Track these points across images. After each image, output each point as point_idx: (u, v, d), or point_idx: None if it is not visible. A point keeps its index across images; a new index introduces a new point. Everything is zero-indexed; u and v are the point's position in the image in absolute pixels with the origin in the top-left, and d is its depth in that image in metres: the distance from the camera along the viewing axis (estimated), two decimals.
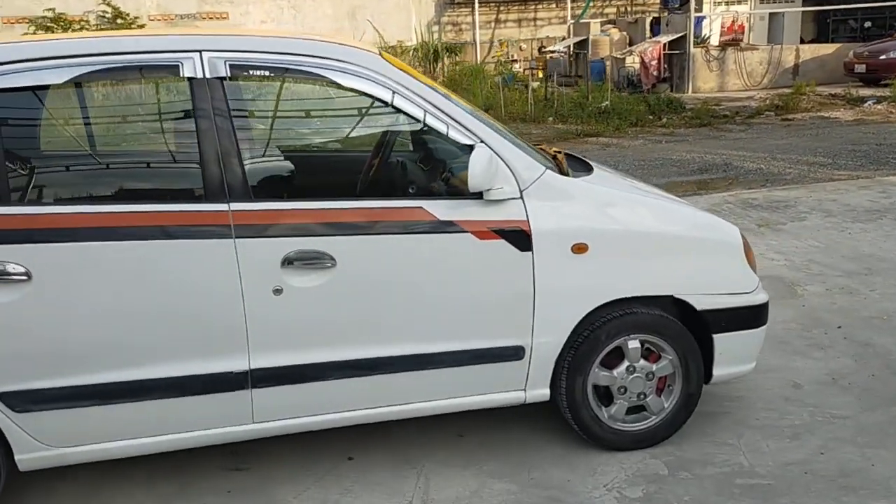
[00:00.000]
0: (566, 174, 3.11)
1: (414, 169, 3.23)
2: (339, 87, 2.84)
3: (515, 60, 22.27)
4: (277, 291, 2.74)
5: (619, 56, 17.14)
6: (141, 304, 2.66)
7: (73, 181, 2.90)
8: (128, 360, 2.70)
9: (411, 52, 22.42)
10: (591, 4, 22.28)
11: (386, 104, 2.85)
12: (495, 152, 2.87)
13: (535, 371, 3.05)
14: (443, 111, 2.87)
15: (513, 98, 15.09)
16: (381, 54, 2.96)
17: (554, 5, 23.32)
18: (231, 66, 2.73)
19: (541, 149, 3.44)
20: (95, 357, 2.67)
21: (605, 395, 3.19)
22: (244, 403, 2.83)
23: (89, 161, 2.99)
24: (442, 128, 2.87)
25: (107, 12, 22.41)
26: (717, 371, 3.26)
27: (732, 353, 3.25)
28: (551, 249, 2.94)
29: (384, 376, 2.92)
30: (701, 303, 3.14)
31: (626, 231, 3.02)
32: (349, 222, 2.78)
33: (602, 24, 20.08)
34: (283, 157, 2.99)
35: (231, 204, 2.69)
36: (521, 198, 2.91)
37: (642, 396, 3.19)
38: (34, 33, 21.35)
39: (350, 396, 2.93)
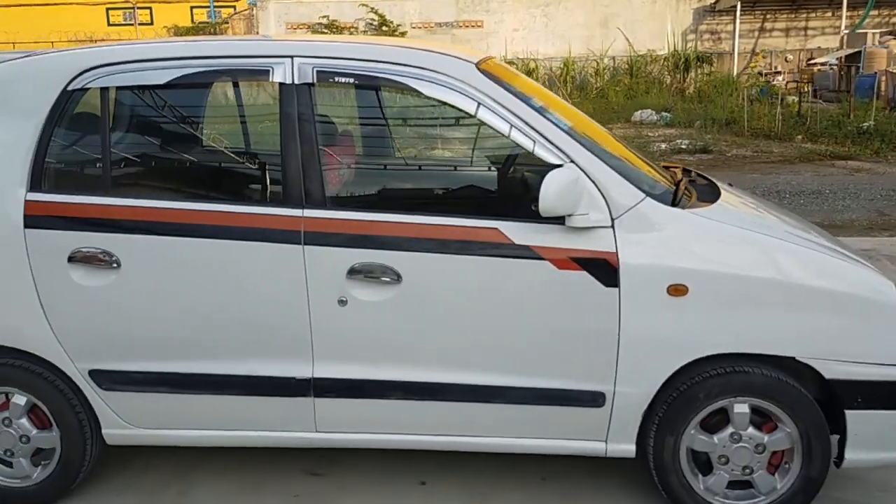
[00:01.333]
0: (678, 201, 2.73)
1: (497, 186, 3.01)
2: (422, 96, 2.72)
3: (778, 72, 20.62)
4: (342, 302, 2.68)
5: (894, 71, 15.20)
6: (215, 301, 2.73)
7: (163, 177, 3.06)
8: (201, 352, 2.78)
9: (661, 62, 21.57)
10: (872, 13, 19.99)
11: (470, 116, 2.68)
12: (587, 174, 2.59)
13: (617, 423, 2.72)
14: (532, 126, 2.64)
15: (761, 112, 13.94)
16: (480, 64, 2.78)
17: (829, 13, 21.26)
18: (318, 72, 2.71)
19: (666, 167, 3.07)
20: (173, 346, 2.79)
21: (705, 463, 2.76)
22: (307, 411, 2.80)
23: (181, 158, 3.13)
24: (528, 144, 2.64)
25: (374, 20, 24.02)
26: (851, 454, 2.70)
27: (874, 436, 2.68)
28: (643, 288, 2.59)
29: (447, 404, 2.75)
30: (832, 370, 2.61)
31: (736, 275, 2.58)
32: (417, 238, 2.64)
33: (882, 34, 17.95)
34: (362, 167, 2.92)
35: (305, 210, 2.67)
36: (613, 226, 2.60)
37: (748, 471, 2.72)
38: None
39: (411, 419, 2.79)
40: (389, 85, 2.76)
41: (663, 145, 12.75)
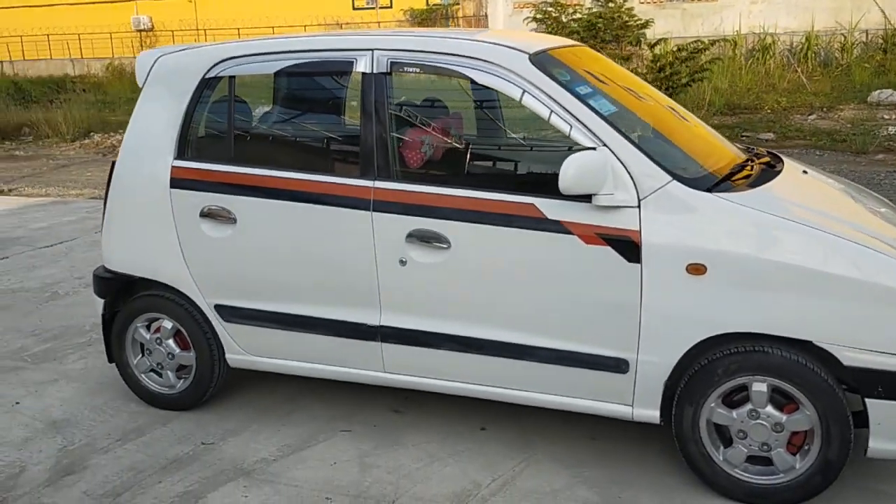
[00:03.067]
0: (717, 185, 2.86)
1: (538, 165, 3.27)
2: (476, 83, 3.07)
3: None
4: (403, 262, 3.13)
5: None
6: (307, 255, 3.29)
7: (270, 150, 3.63)
8: (297, 297, 3.36)
9: None
10: None
11: (517, 101, 2.99)
12: (617, 157, 2.82)
13: (641, 389, 2.93)
14: (570, 112, 2.89)
15: None
16: (538, 54, 3.06)
17: None
18: (392, 63, 3.15)
19: (749, 149, 3.23)
20: (275, 290, 3.39)
21: (728, 437, 2.90)
22: (376, 353, 3.29)
23: (284, 134, 3.69)
24: (565, 128, 2.90)
25: None
26: (875, 444, 2.71)
27: None
28: (663, 265, 2.78)
29: (488, 357, 3.11)
30: (850, 357, 2.64)
31: (755, 258, 2.69)
32: (464, 209, 3.01)
33: None
34: (431, 145, 3.31)
35: (375, 182, 3.14)
36: (639, 206, 2.80)
37: (766, 448, 2.82)
38: (534, 18, 23.84)
39: (458, 369, 3.18)
40: (449, 73, 3.14)
41: (892, 129, 11.74)
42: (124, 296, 3.73)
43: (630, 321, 2.86)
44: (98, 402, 3.87)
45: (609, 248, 2.83)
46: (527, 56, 3.02)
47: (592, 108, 2.91)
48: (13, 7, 32.04)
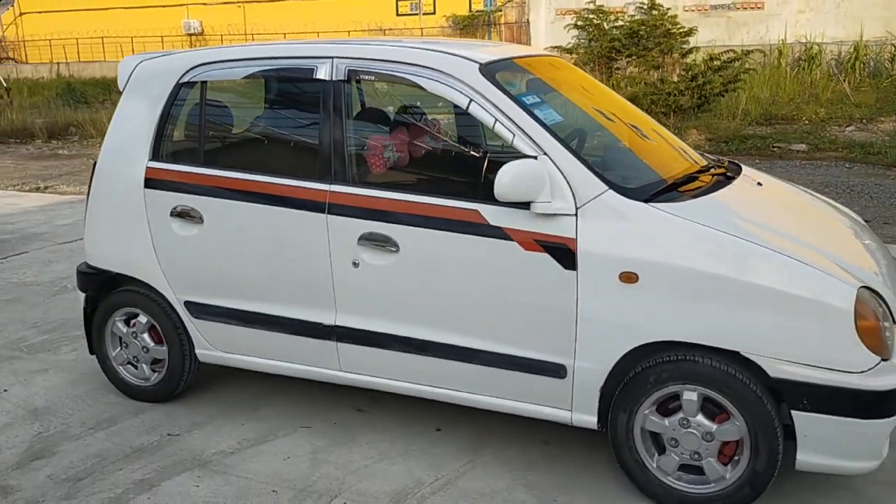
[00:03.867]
0: (656, 195, 2.89)
1: (484, 173, 3.31)
2: (426, 92, 3.14)
3: None
4: (355, 264, 3.22)
5: None
6: (267, 255, 3.40)
7: (236, 153, 3.74)
8: (258, 295, 3.47)
9: None
10: None
11: (464, 109, 3.06)
12: (556, 165, 2.87)
13: (579, 395, 2.97)
14: (513, 121, 2.95)
15: None
16: (490, 64, 3.13)
17: None
18: (349, 70, 3.25)
19: (715, 158, 3.28)
20: (237, 288, 3.51)
21: (661, 444, 2.92)
22: (332, 352, 3.38)
23: (247, 136, 3.80)
24: (508, 136, 2.96)
25: (644, 3, 23.62)
26: (803, 456, 2.71)
27: (827, 441, 2.66)
28: (597, 273, 2.83)
29: (436, 359, 3.17)
30: (775, 369, 2.65)
31: (685, 268, 2.71)
32: (412, 214, 3.09)
33: None
34: (384, 150, 3.38)
35: (331, 185, 3.24)
36: (576, 215, 2.85)
37: (697, 456, 2.83)
38: (575, 25, 23.79)
39: (409, 370, 3.26)
40: (402, 82, 3.23)
41: None
42: (106, 290, 3.89)
43: (566, 327, 2.90)
44: (80, 391, 4.04)
45: (547, 254, 2.88)
46: (477, 66, 3.08)
47: (536, 118, 2.97)
48: (70, 10, 33.10)
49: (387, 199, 3.14)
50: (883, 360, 2.61)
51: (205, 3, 31.98)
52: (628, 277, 2.78)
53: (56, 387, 4.11)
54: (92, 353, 3.98)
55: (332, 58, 3.29)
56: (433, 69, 3.10)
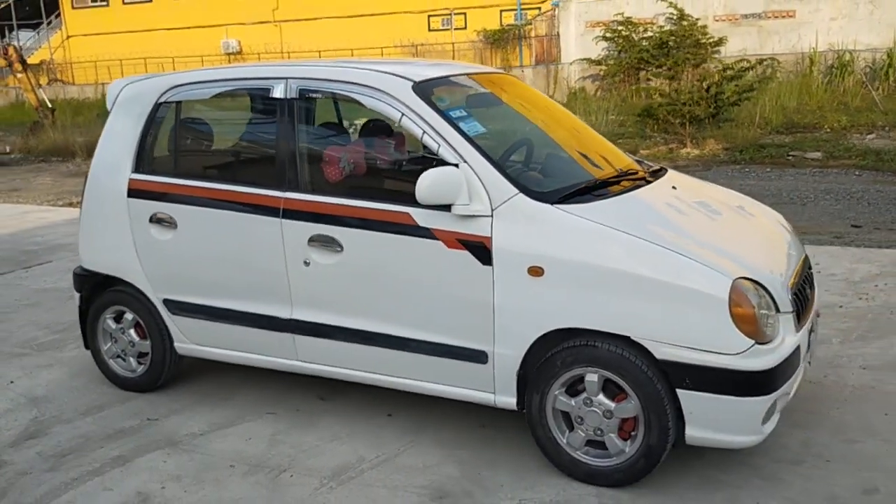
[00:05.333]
0: (566, 197, 3.20)
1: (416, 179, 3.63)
2: (365, 107, 3.50)
3: None
4: (307, 263, 3.58)
5: None
6: (232, 256, 3.78)
7: (204, 164, 4.13)
8: (225, 293, 3.85)
9: None
10: None
11: (396, 123, 3.41)
12: (475, 172, 3.20)
13: (500, 379, 3.28)
14: (438, 133, 3.29)
15: None
16: (425, 81, 3.47)
17: None
18: (300, 89, 3.62)
19: (640, 162, 3.62)
20: (207, 287, 3.89)
21: (570, 422, 3.22)
22: (291, 344, 3.75)
23: (215, 149, 4.17)
24: (434, 146, 3.30)
25: (673, 14, 23.76)
26: (691, 432, 2.99)
27: (709, 417, 2.94)
28: (510, 267, 3.14)
29: (378, 348, 3.51)
30: (660, 351, 2.93)
31: (583, 262, 3.02)
32: (353, 217, 3.45)
33: None
34: (330, 160, 3.73)
35: (285, 192, 3.62)
36: (492, 216, 3.17)
37: (599, 432, 3.13)
38: (604, 37, 24.02)
39: (356, 358, 3.60)
40: (344, 99, 3.60)
41: None
42: (98, 291, 4.31)
43: (486, 317, 3.22)
44: (77, 383, 4.47)
45: (467, 252, 3.21)
46: (410, 84, 3.43)
47: (459, 130, 3.30)
48: (115, 33, 34.38)
49: (332, 204, 3.50)
50: (759, 343, 2.87)
51: (242, 24, 32.95)
52: (535, 271, 3.09)
53: (57, 379, 4.55)
54: (87, 347, 4.41)
55: (286, 78, 3.67)
56: (371, 87, 3.46)
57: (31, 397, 4.32)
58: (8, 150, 19.06)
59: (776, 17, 24.50)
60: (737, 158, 12.39)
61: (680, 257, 2.94)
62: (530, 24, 28.42)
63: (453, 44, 29.54)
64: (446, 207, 3.21)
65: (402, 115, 3.38)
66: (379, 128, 3.56)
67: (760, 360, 2.86)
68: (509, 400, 3.30)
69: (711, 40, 23.06)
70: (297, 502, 3.18)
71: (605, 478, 3.14)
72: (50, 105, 21.20)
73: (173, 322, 4.06)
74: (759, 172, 11.31)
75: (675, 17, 23.77)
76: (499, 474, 3.30)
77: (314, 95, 3.64)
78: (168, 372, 4.22)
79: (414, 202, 3.29)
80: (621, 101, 20.08)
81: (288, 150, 3.63)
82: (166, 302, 4.04)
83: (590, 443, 3.18)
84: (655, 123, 13.83)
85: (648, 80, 21.69)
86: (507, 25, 29.15)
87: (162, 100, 3.98)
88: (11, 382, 4.53)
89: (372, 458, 3.49)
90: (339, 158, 3.61)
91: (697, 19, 23.77)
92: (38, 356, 4.93)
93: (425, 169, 3.23)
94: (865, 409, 3.69)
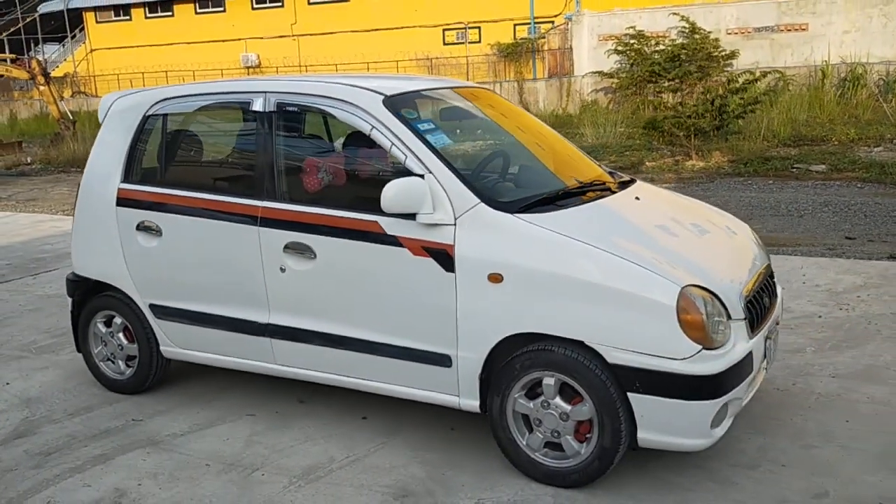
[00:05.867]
0: (528, 207, 3.32)
1: None
2: (338, 120, 3.65)
3: None
4: (283, 269, 3.72)
5: None
6: (212, 262, 3.93)
7: (188, 174, 4.27)
8: (207, 298, 4.00)
9: None
10: None
11: (367, 135, 3.55)
12: (439, 182, 3.33)
13: (463, 382, 3.39)
14: (406, 145, 3.42)
15: None
16: (395, 96, 3.61)
17: None
18: (278, 103, 3.77)
19: (612, 173, 3.76)
20: (189, 292, 4.04)
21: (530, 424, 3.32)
22: (268, 347, 3.88)
23: (198, 160, 4.32)
24: (401, 157, 3.44)
25: (686, 28, 23.82)
26: (643, 434, 3.08)
27: (659, 420, 3.03)
28: (471, 274, 3.26)
29: (349, 352, 3.63)
30: (612, 356, 3.03)
31: (539, 270, 3.13)
32: (326, 225, 3.58)
33: None
34: (305, 170, 3.87)
35: (263, 201, 3.76)
36: (455, 224, 3.30)
37: (556, 434, 3.23)
38: (616, 50, 24.12)
39: (330, 361, 3.72)
40: (319, 112, 3.75)
41: None
42: (89, 296, 4.47)
43: (449, 321, 3.34)
44: (69, 385, 4.63)
45: (431, 259, 3.33)
46: (381, 98, 3.57)
47: (426, 142, 3.43)
48: (137, 46, 34.94)
49: (306, 212, 3.64)
50: (707, 348, 2.97)
51: (261, 38, 33.37)
52: (495, 278, 3.21)
53: (51, 381, 4.71)
54: (79, 350, 4.57)
55: (265, 92, 3.82)
56: (343, 101, 3.61)
57: (25, 398, 4.48)
58: (29, 160, 19.48)
59: (789, 30, 24.52)
60: (741, 171, 12.42)
61: (631, 265, 3.04)
62: (544, 37, 28.57)
63: (467, 57, 29.75)
64: (412, 216, 3.34)
65: (373, 127, 3.51)
66: (359, 140, 3.69)
67: (708, 364, 2.95)
68: (473, 402, 3.40)
69: (723, 53, 23.08)
70: (265, 499, 3.30)
71: (562, 478, 3.23)
72: (71, 117, 21.62)
73: (159, 326, 4.21)
74: (762, 185, 11.34)
75: (687, 31, 23.83)
76: (462, 475, 3.41)
77: (291, 108, 3.79)
78: (155, 375, 4.36)
79: (382, 211, 3.41)
80: (631, 113, 20.16)
81: (266, 160, 3.77)
82: (152, 307, 4.19)
83: (548, 444, 3.28)
84: (661, 136, 13.90)
85: (659, 93, 21.75)
86: (521, 39, 29.33)
87: (150, 112, 4.15)
88: (7, 384, 4.70)
89: (342, 458, 3.61)
90: (318, 169, 3.74)
91: (710, 32, 23.80)
92: (36, 359, 5.10)
93: (394, 178, 3.35)
94: (828, 416, 3.76)
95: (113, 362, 4.46)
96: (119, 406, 4.30)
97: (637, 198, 3.76)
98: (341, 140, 3.96)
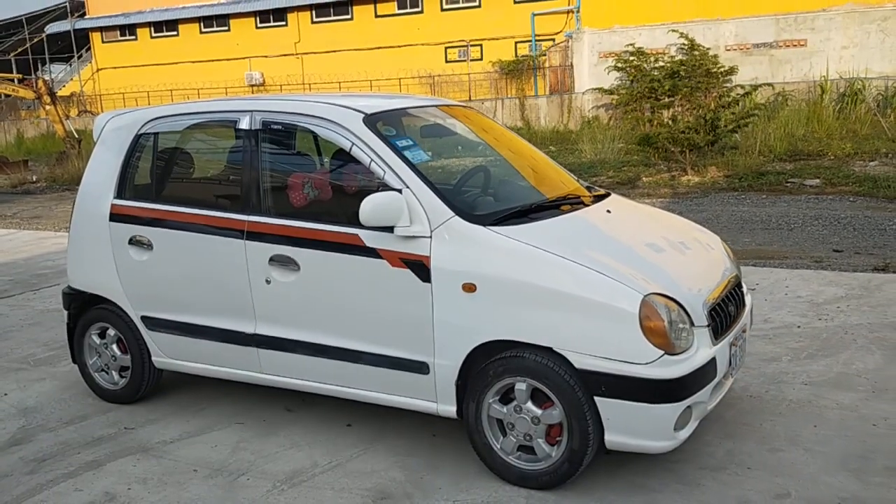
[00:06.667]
0: (501, 220, 3.46)
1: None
2: (320, 138, 3.80)
3: None
4: (268, 281, 3.86)
5: None
6: (201, 275, 4.07)
7: (178, 190, 4.42)
8: (196, 310, 4.14)
9: None
10: None
11: (347, 152, 3.70)
12: (416, 196, 3.47)
13: (441, 388, 3.52)
14: (384, 161, 3.57)
15: None
16: (376, 114, 3.77)
17: None
18: (263, 121, 3.93)
19: (589, 188, 3.92)
20: (179, 304, 4.19)
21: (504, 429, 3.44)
22: (255, 357, 4.02)
23: (187, 176, 4.48)
24: (380, 173, 3.59)
25: (685, 45, 24.04)
26: (610, 437, 3.20)
27: (625, 423, 3.15)
28: (446, 284, 3.40)
29: (332, 361, 3.77)
30: (579, 361, 3.16)
31: (510, 279, 3.26)
32: (308, 238, 3.72)
33: None
34: (290, 186, 4.02)
35: (249, 216, 3.91)
36: (431, 237, 3.44)
37: (528, 438, 3.35)
38: (615, 67, 24.33)
39: (313, 370, 3.85)
40: (301, 130, 3.89)
41: None
42: (84, 308, 4.62)
43: (426, 330, 3.47)
44: (65, 395, 4.77)
45: (409, 270, 3.47)
46: (361, 116, 3.73)
47: (404, 158, 3.58)
48: (142, 65, 35.31)
49: (290, 226, 3.79)
50: (669, 354, 3.09)
51: (265, 56, 33.68)
52: (469, 288, 3.34)
53: (47, 392, 4.85)
54: (74, 362, 4.71)
55: (251, 111, 3.98)
56: (325, 119, 3.76)
57: (22, 408, 4.62)
58: (34, 179, 19.73)
59: (787, 46, 24.71)
60: (736, 185, 12.54)
61: (597, 275, 3.18)
62: (545, 54, 28.82)
63: (469, 74, 29.99)
64: (390, 229, 3.48)
65: (353, 144, 3.66)
66: (341, 156, 3.84)
67: (670, 369, 3.08)
68: (450, 408, 3.53)
69: (722, 69, 23.27)
70: (249, 502, 3.42)
71: (533, 480, 3.35)
72: (77, 136, 21.88)
73: (150, 337, 4.35)
74: (755, 199, 11.46)
75: (686, 48, 24.05)
76: (439, 478, 3.53)
77: (275, 127, 3.94)
78: (147, 384, 4.50)
79: (362, 224, 3.55)
80: (631, 129, 20.33)
81: (252, 176, 3.93)
82: (144, 319, 4.33)
83: (521, 448, 3.40)
84: (656, 152, 14.05)
85: (655, 109, 21.92)
86: (522, 56, 29.56)
87: (142, 131, 4.31)
88: (5, 394, 4.84)
89: (325, 463, 3.73)
90: (302, 185, 3.89)
91: (708, 49, 24.02)
92: (33, 371, 5.25)
93: (374, 193, 3.49)
94: (796, 421, 3.87)
95: (107, 373, 4.60)
96: (112, 415, 4.44)
97: (608, 211, 3.90)
98: (328, 157, 4.10)
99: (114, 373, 4.57)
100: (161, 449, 3.99)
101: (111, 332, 4.51)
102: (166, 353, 4.33)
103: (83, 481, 3.69)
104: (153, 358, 4.41)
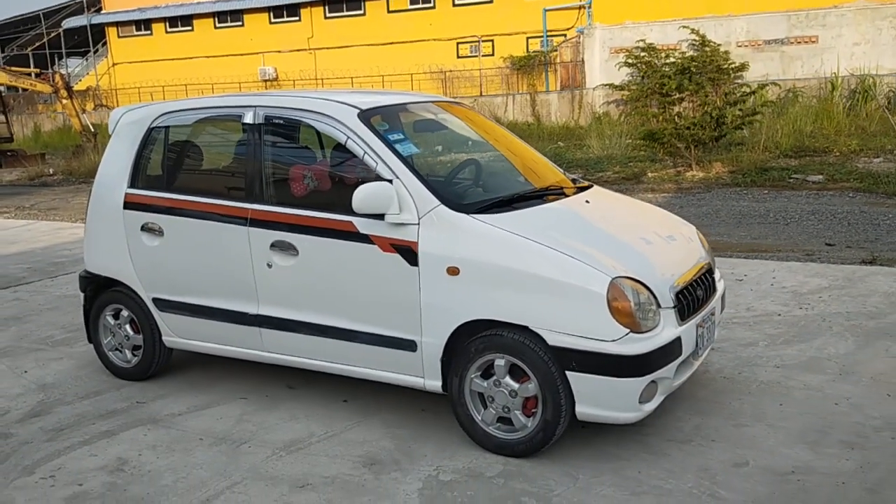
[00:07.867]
0: (485, 208, 3.73)
1: None
2: (317, 132, 4.08)
3: None
4: (269, 265, 4.15)
5: None
6: (208, 260, 4.36)
7: (187, 179, 4.71)
8: (203, 291, 4.43)
9: None
10: None
11: (343, 145, 3.98)
12: (405, 186, 3.74)
13: (427, 364, 3.79)
14: (376, 153, 3.84)
15: None
16: (370, 108, 4.04)
17: None
18: (265, 116, 4.21)
19: (574, 179, 4.21)
20: (188, 286, 4.48)
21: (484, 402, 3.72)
22: (258, 335, 4.30)
23: (197, 167, 4.77)
24: (372, 164, 3.86)
25: (696, 41, 24.11)
26: (581, 408, 3.46)
27: (593, 395, 3.41)
28: (432, 268, 3.67)
29: (328, 339, 4.05)
30: (552, 339, 3.42)
31: (490, 263, 3.53)
32: (306, 225, 4.00)
33: None
34: (290, 176, 4.30)
35: (252, 204, 4.19)
36: (419, 224, 3.71)
37: (506, 410, 3.62)
38: (625, 63, 24.47)
39: (312, 348, 4.13)
40: (302, 125, 4.17)
41: None
42: (99, 291, 4.92)
43: (414, 310, 3.74)
44: (81, 373, 5.08)
45: (398, 255, 3.74)
46: (356, 111, 4.00)
47: (395, 151, 3.85)
48: (157, 60, 35.75)
49: (290, 214, 4.07)
50: (634, 332, 3.35)
51: (279, 51, 34.03)
52: (453, 271, 3.61)
53: (65, 369, 5.16)
54: (90, 341, 5.02)
55: (254, 107, 4.26)
56: (322, 114, 4.04)
57: (41, 384, 4.93)
58: (51, 171, 20.16)
59: (799, 42, 24.78)
60: (739, 181, 12.74)
61: (569, 258, 3.44)
62: (556, 50, 28.97)
63: (481, 70, 30.21)
64: (381, 217, 3.75)
65: (348, 138, 3.94)
66: (338, 149, 4.11)
67: (635, 346, 3.34)
68: (435, 383, 3.80)
69: (733, 66, 23.36)
70: (249, 466, 3.71)
71: (510, 449, 3.62)
72: (93, 129, 22.30)
73: (161, 318, 4.65)
74: (757, 194, 11.66)
75: (697, 44, 24.11)
76: (425, 447, 3.80)
77: (277, 121, 4.22)
78: (158, 362, 4.80)
79: (356, 212, 3.83)
80: (640, 125, 20.50)
81: (255, 167, 4.21)
82: (155, 300, 4.63)
83: (500, 419, 3.67)
84: (661, 147, 14.24)
85: (665, 105, 22.05)
86: (534, 52, 29.75)
87: (154, 125, 4.60)
88: (26, 372, 5.16)
89: (321, 434, 4.02)
90: (302, 175, 4.17)
91: (720, 45, 24.07)
92: (52, 351, 5.56)
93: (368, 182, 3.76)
94: (764, 400, 4.12)
95: (120, 351, 4.90)
96: (125, 390, 4.74)
97: (587, 201, 4.15)
98: (328, 150, 4.38)
99: (127, 351, 4.87)
100: (170, 420, 4.28)
101: (125, 313, 4.81)
102: (176, 332, 4.63)
103: (98, 448, 3.99)
104: (163, 337, 4.70)
